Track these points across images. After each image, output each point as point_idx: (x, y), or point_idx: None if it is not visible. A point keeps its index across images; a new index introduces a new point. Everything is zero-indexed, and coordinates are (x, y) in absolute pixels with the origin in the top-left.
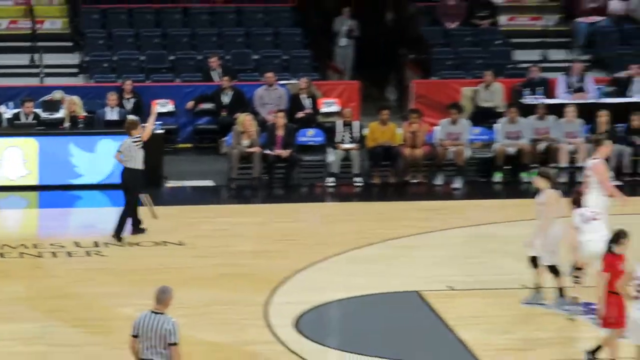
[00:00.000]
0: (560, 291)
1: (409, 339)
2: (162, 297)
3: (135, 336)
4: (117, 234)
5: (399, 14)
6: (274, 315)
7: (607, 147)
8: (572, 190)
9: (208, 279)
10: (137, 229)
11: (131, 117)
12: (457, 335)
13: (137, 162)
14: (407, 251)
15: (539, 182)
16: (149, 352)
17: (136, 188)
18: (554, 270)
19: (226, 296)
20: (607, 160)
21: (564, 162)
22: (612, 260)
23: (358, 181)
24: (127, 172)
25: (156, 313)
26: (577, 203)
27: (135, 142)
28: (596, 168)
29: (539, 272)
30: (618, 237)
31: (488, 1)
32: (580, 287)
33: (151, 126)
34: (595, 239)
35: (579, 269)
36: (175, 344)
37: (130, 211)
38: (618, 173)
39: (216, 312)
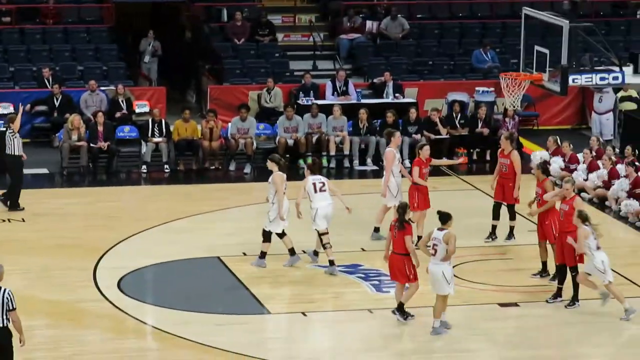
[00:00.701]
0: (290, 251)
1: (211, 295)
2: None
3: None
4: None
5: (196, 33)
6: (101, 278)
7: (398, 138)
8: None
9: (46, 248)
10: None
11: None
12: (250, 291)
13: (13, 148)
14: (209, 224)
15: (270, 166)
16: None
17: (13, 169)
18: (277, 235)
19: (61, 263)
20: (399, 148)
21: (332, 151)
22: (408, 227)
23: (167, 168)
24: (6, 157)
25: None
26: (312, 170)
27: (11, 133)
28: (386, 155)
29: (286, 240)
30: (406, 208)
31: (268, 21)
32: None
33: (18, 121)
34: (324, 205)
35: (323, 234)
36: (14, 309)
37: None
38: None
39: (53, 276)
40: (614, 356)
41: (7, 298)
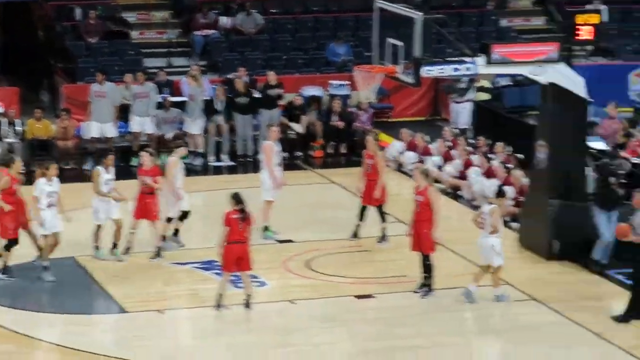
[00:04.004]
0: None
1: (68, 295)
2: None
3: None
4: None
5: (48, 31)
6: None
7: (276, 132)
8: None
9: None
10: None
11: None
12: (106, 291)
13: None
14: (64, 223)
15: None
16: None
17: None
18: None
19: None
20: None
21: (191, 147)
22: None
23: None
24: None
25: None
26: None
27: None
28: (264, 148)
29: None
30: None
31: (122, 19)
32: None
33: None
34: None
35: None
36: None
37: None
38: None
39: None
40: (471, 342)
41: None
